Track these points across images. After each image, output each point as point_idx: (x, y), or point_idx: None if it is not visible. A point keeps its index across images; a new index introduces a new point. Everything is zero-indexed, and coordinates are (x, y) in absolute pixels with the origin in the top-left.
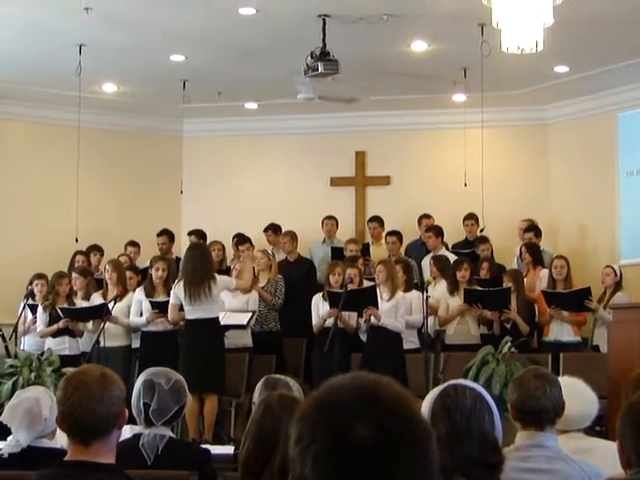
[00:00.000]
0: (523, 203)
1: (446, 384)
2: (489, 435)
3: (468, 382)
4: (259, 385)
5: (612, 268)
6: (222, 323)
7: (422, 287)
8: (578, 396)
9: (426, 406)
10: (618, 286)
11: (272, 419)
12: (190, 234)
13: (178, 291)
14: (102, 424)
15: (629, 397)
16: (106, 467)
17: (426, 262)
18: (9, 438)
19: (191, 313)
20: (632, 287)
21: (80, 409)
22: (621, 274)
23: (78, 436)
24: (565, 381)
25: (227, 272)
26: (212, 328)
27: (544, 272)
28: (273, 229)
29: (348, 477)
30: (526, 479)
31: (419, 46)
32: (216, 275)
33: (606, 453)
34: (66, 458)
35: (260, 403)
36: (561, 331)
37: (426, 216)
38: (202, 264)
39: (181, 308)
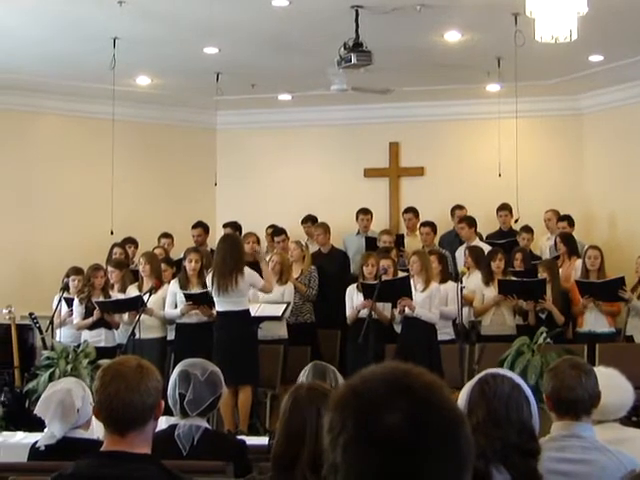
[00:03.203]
0: (557, 193)
1: (484, 372)
2: (527, 423)
3: (506, 371)
4: (308, 368)
5: None
6: (257, 314)
7: (456, 278)
8: (613, 386)
9: (464, 394)
10: None
11: (300, 413)
12: (225, 226)
13: (208, 282)
14: (138, 415)
15: None
16: (142, 457)
17: (460, 253)
18: (45, 430)
19: (220, 305)
20: None
21: (117, 400)
22: None
23: (114, 426)
24: (600, 371)
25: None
26: (242, 320)
27: (579, 262)
28: (312, 220)
29: (377, 465)
30: (562, 469)
31: (452, 36)
32: (246, 269)
33: None
34: (102, 448)
35: (289, 396)
36: (595, 322)
37: (459, 207)
38: (232, 256)
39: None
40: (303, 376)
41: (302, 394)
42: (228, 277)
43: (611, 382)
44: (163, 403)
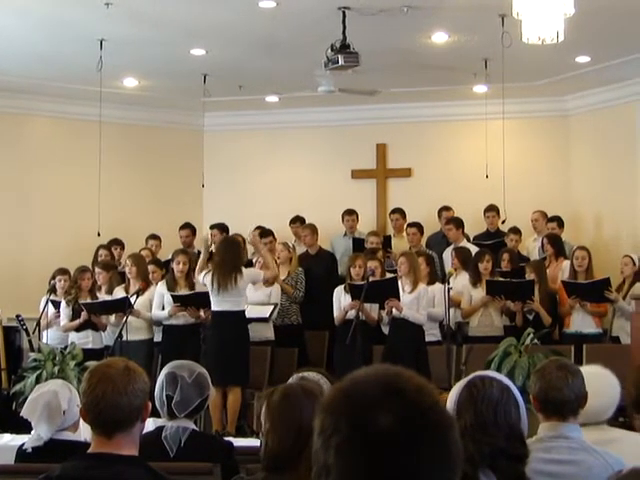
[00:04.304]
0: (544, 194)
1: (473, 375)
2: (515, 426)
3: (495, 374)
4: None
5: (631, 258)
6: None
7: (444, 279)
8: (599, 389)
9: (452, 397)
10: (637, 276)
11: (301, 410)
12: (212, 227)
13: (207, 280)
14: (125, 417)
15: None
16: (129, 459)
17: (447, 254)
18: (32, 432)
19: (218, 305)
20: None
21: (103, 402)
22: None
23: (101, 428)
24: (586, 372)
25: (249, 265)
26: (238, 321)
27: (566, 263)
28: (300, 221)
29: (369, 466)
30: (549, 470)
31: (440, 37)
32: (244, 268)
33: (630, 444)
34: (89, 450)
35: (281, 395)
36: (582, 323)
37: (446, 208)
38: (232, 257)
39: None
40: None
41: (298, 391)
42: (228, 276)
43: (597, 384)
44: (150, 405)
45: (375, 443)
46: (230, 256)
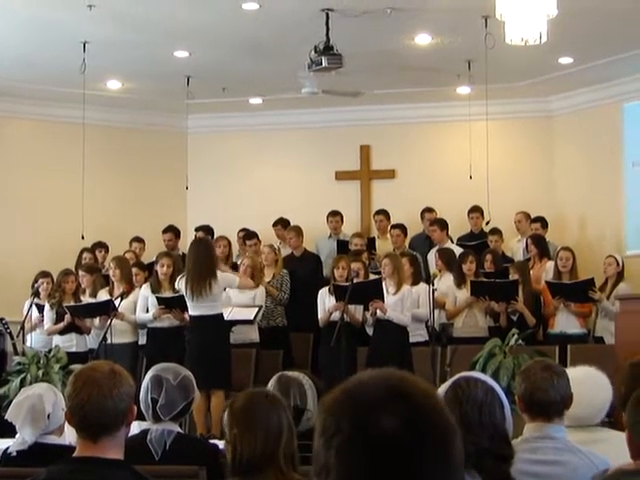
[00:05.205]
0: (528, 195)
1: (458, 376)
2: (500, 427)
3: (480, 375)
4: (271, 383)
5: (614, 258)
6: (229, 318)
7: (428, 280)
8: (589, 393)
9: None
10: (620, 276)
11: (269, 413)
12: (197, 230)
13: (180, 286)
14: (110, 420)
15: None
16: (114, 463)
17: (432, 255)
18: (16, 436)
19: (194, 309)
20: (637, 278)
21: (89, 405)
22: (623, 264)
23: (86, 432)
24: (575, 379)
25: (234, 268)
26: (215, 324)
27: (550, 264)
28: (282, 224)
29: (370, 468)
30: (534, 470)
31: (423, 39)
32: (219, 272)
33: (616, 444)
34: (75, 454)
35: (247, 399)
36: (567, 323)
37: (428, 210)
38: (204, 260)
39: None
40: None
41: (261, 397)
42: (202, 282)
43: (589, 387)
44: (135, 408)
45: (377, 445)
46: (202, 260)
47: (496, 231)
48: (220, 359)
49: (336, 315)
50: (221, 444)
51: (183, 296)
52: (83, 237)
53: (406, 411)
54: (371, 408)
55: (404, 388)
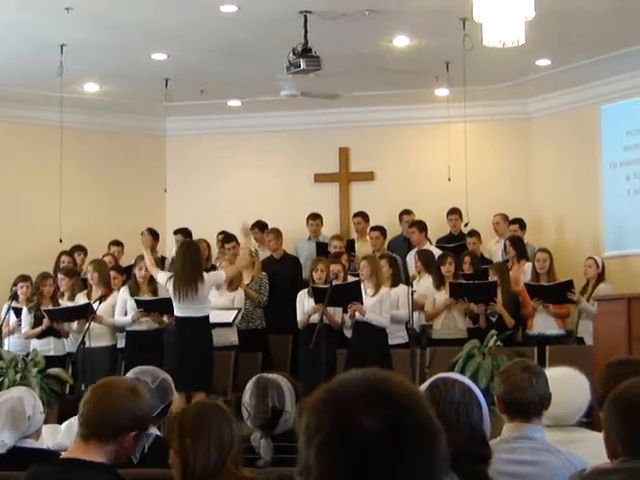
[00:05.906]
0: (507, 197)
1: (435, 377)
2: (477, 427)
3: (457, 376)
4: (250, 385)
5: (594, 259)
6: None
7: (407, 282)
8: (567, 393)
9: None
10: (600, 277)
11: (212, 424)
12: (176, 233)
13: (169, 287)
14: (104, 427)
15: (607, 385)
16: (98, 466)
17: (411, 257)
18: None
19: (180, 311)
20: (616, 279)
21: (91, 404)
22: (603, 265)
23: (82, 429)
24: (553, 378)
25: (213, 270)
26: (200, 327)
27: (528, 265)
28: (259, 227)
29: (351, 467)
30: (512, 471)
31: (401, 41)
32: (204, 273)
33: (593, 444)
34: (63, 455)
35: (185, 415)
36: (545, 324)
37: (407, 212)
38: (192, 262)
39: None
40: (247, 392)
41: (213, 407)
42: (189, 284)
43: (568, 387)
44: (135, 436)
45: (357, 445)
46: (190, 262)
47: (474, 233)
48: (203, 361)
49: (315, 317)
50: None
51: (162, 299)
52: (61, 240)
53: (388, 411)
54: (353, 408)
55: (387, 388)
